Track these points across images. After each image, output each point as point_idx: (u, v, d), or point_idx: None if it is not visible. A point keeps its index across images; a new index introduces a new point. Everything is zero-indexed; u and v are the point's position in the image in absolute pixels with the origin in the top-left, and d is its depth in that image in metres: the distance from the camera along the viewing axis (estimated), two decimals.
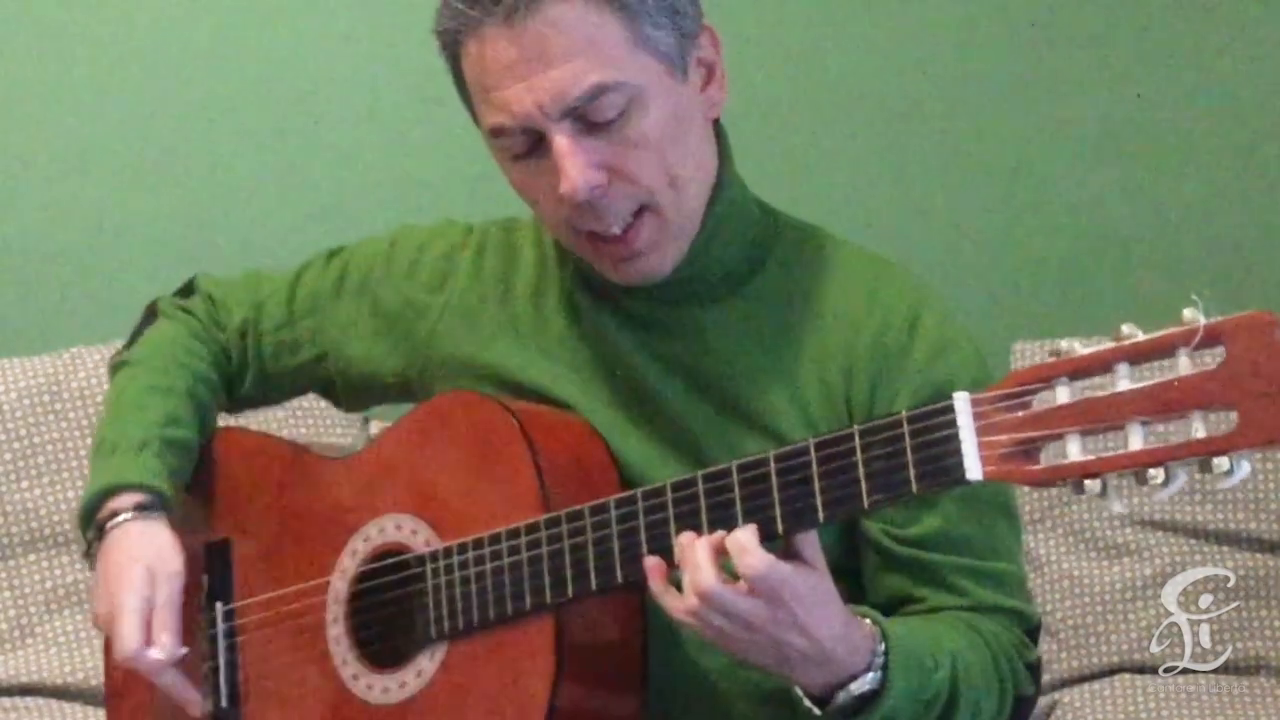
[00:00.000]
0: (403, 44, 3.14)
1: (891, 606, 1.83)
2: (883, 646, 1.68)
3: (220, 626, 2.00)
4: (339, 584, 1.91)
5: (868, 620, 1.69)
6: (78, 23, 3.07)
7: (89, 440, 2.80)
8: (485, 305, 1.95)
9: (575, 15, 1.74)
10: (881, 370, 1.84)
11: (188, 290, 2.16)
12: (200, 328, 2.11)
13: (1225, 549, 2.81)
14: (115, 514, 1.94)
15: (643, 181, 1.78)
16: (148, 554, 1.91)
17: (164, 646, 1.87)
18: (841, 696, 1.67)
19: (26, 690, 2.80)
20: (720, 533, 1.64)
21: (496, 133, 1.79)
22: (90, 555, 1.96)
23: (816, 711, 1.68)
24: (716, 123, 1.88)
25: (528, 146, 1.78)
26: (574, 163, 1.75)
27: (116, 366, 2.12)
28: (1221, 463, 1.43)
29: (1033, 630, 1.87)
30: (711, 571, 1.62)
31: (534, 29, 1.74)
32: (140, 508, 1.94)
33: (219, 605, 2.01)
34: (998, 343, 2.95)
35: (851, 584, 1.84)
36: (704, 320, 1.87)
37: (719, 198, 1.85)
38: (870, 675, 1.67)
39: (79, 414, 2.83)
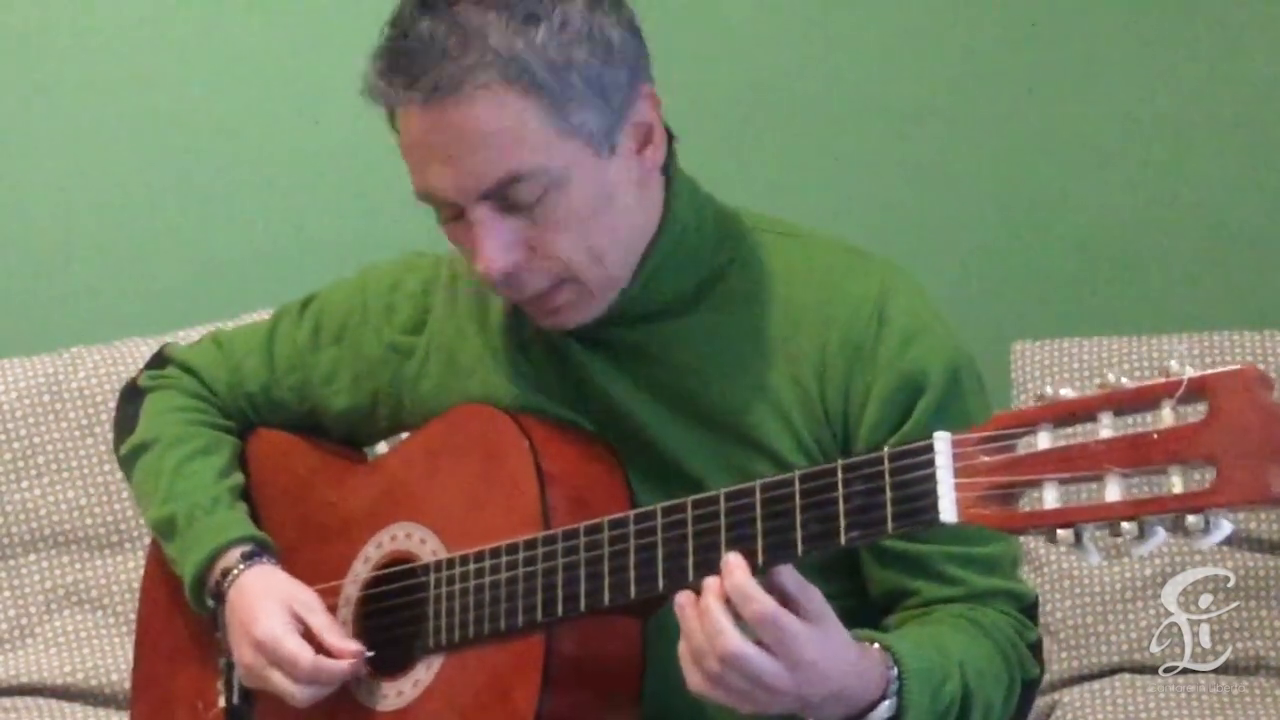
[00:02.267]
0: None
1: (889, 600, 1.84)
2: (895, 671, 1.68)
3: None
4: (350, 588, 1.92)
5: (875, 645, 1.69)
6: (78, 23, 3.07)
7: (89, 440, 2.81)
8: (464, 338, 1.94)
9: (494, 101, 1.72)
10: (853, 366, 1.82)
11: (159, 362, 2.14)
12: (193, 389, 2.09)
13: (1225, 549, 2.81)
14: (227, 573, 1.94)
15: (562, 258, 1.76)
16: (276, 591, 1.91)
17: (350, 650, 1.86)
18: None
19: (26, 690, 2.80)
20: (715, 580, 1.62)
21: (421, 199, 1.78)
22: (220, 625, 1.95)
23: None
24: (668, 150, 1.84)
25: (453, 214, 1.77)
26: (489, 244, 1.74)
27: (133, 453, 2.08)
28: (1196, 521, 1.40)
29: (1029, 608, 1.86)
30: (737, 634, 1.60)
31: (451, 113, 1.72)
32: (247, 557, 1.94)
33: None
34: (998, 343, 2.96)
35: (850, 580, 1.85)
36: (671, 336, 1.85)
37: (664, 236, 1.83)
38: (887, 703, 1.67)
39: (79, 414, 2.83)
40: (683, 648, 1.64)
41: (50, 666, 2.80)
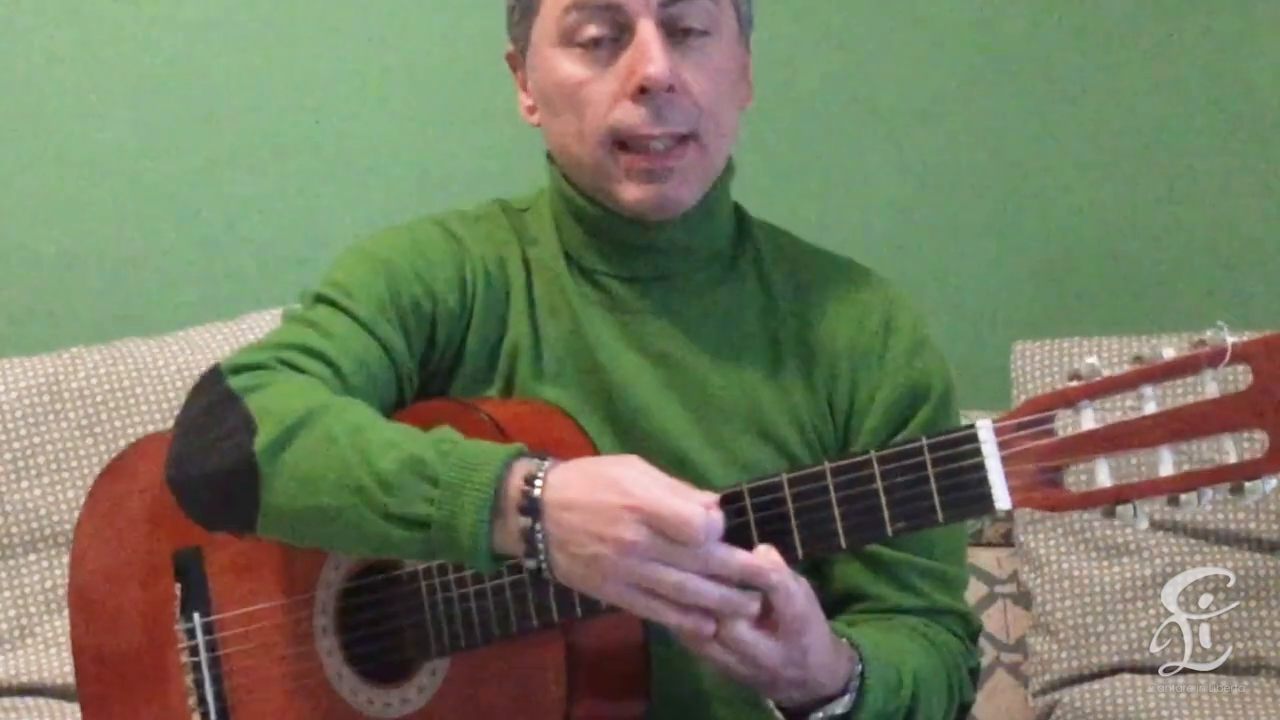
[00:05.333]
0: (406, 44, 3.13)
1: (848, 599, 1.87)
2: (859, 669, 1.71)
3: (201, 638, 1.95)
4: (324, 596, 1.87)
5: (845, 640, 1.72)
6: (79, 24, 3.06)
7: (89, 440, 2.80)
8: (499, 298, 1.90)
9: None
10: (860, 370, 1.88)
11: (239, 369, 1.80)
12: (317, 372, 1.82)
13: (1225, 549, 2.81)
14: (530, 482, 1.63)
15: (700, 102, 1.82)
16: (609, 460, 1.66)
17: (711, 503, 1.61)
18: (817, 716, 1.70)
19: (26, 690, 2.78)
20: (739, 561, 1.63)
21: (576, 6, 1.81)
22: (541, 546, 1.62)
23: None
24: None
25: (598, 33, 1.81)
26: (659, 52, 1.79)
27: (286, 434, 1.70)
28: (1254, 485, 1.44)
29: (975, 633, 1.92)
30: (745, 622, 1.62)
31: None
32: (540, 457, 1.65)
33: (197, 616, 1.95)
34: (998, 343, 2.96)
35: (810, 575, 1.83)
36: (688, 315, 1.89)
37: (722, 179, 1.90)
38: (846, 698, 1.71)
39: (79, 414, 2.82)
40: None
41: (50, 666, 2.79)
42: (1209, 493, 1.46)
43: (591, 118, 1.83)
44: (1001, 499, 1.54)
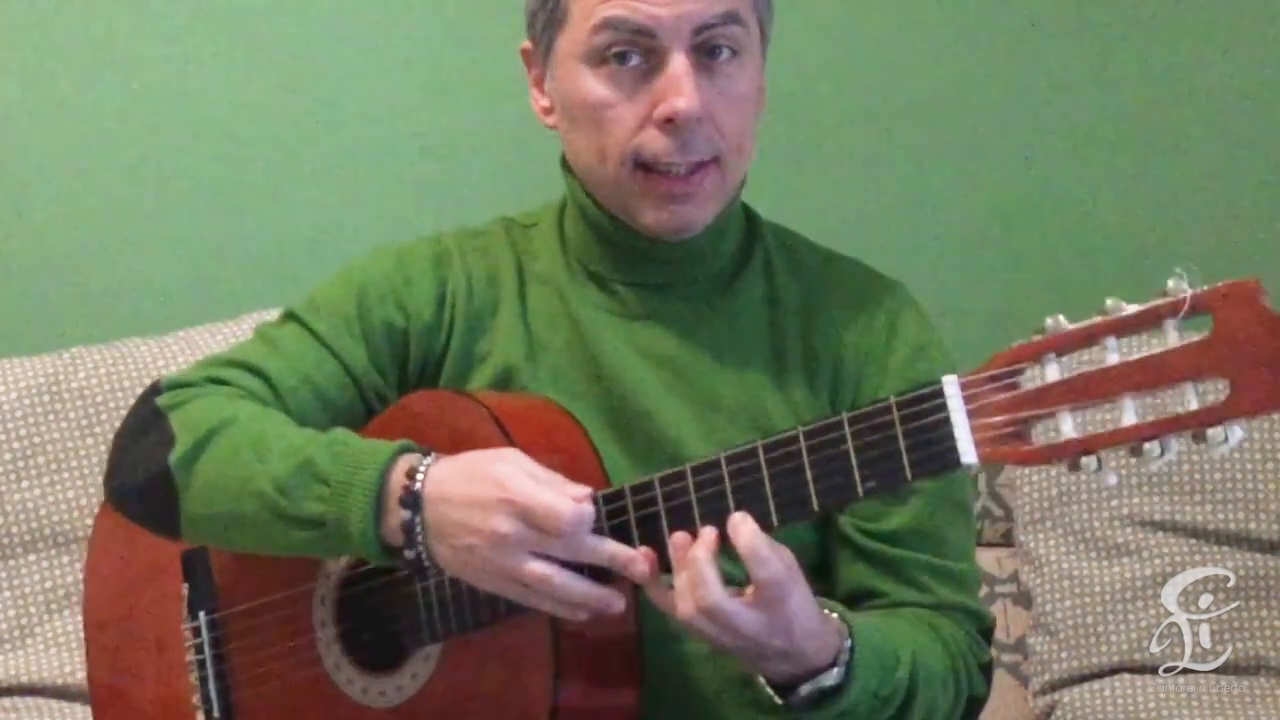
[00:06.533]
0: (408, 45, 3.14)
1: (855, 599, 1.86)
2: (849, 643, 1.70)
3: (206, 636, 1.96)
4: (324, 588, 1.89)
5: (834, 615, 1.71)
6: (79, 23, 3.07)
7: (89, 440, 2.81)
8: (481, 312, 1.92)
9: None
10: (864, 371, 1.89)
11: (175, 385, 1.90)
12: (253, 389, 1.89)
13: (1225, 549, 2.81)
14: (413, 472, 1.70)
15: (724, 131, 1.81)
16: (487, 454, 1.70)
17: (582, 496, 1.67)
18: (805, 689, 1.69)
19: (26, 690, 2.79)
20: (712, 530, 1.64)
21: (608, 25, 1.79)
22: (422, 541, 1.69)
23: (779, 700, 1.70)
24: None
25: (628, 55, 1.79)
26: (690, 84, 1.78)
27: (197, 446, 1.80)
28: (1216, 433, 1.44)
29: (986, 630, 1.91)
30: (719, 587, 1.63)
31: None
32: (425, 453, 1.72)
33: (203, 614, 1.97)
34: (997, 343, 2.92)
35: (818, 582, 1.84)
36: (693, 318, 1.89)
37: (736, 191, 1.90)
38: (835, 670, 1.69)
39: (79, 414, 2.83)
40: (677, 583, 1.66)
41: (50, 666, 2.79)
42: (1173, 443, 1.46)
43: (614, 140, 1.82)
44: (968, 453, 1.54)
